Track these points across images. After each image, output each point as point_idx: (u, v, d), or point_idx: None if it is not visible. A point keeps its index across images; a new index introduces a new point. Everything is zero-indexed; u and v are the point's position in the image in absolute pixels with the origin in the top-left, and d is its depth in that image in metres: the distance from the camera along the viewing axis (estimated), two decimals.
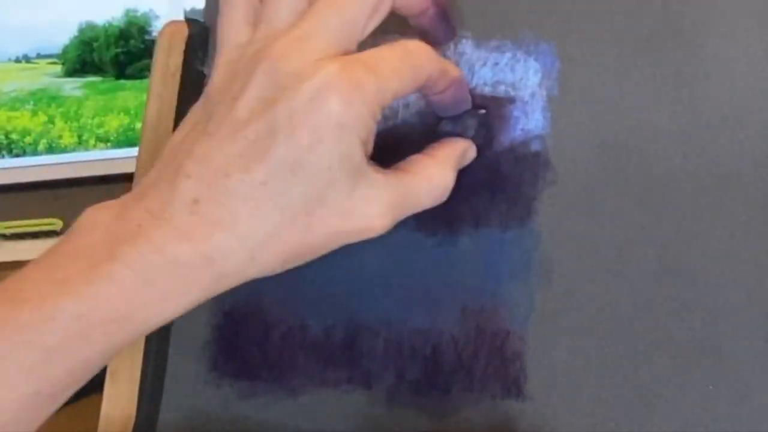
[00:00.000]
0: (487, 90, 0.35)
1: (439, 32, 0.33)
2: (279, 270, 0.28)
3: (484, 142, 0.35)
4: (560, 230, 0.35)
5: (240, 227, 0.26)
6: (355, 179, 0.27)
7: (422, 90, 0.30)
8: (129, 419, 0.36)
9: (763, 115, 0.34)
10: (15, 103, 0.90)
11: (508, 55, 0.35)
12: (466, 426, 0.35)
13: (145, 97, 0.38)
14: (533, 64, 0.35)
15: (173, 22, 0.40)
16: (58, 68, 0.90)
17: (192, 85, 0.37)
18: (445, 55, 0.35)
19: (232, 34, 0.29)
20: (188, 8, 0.80)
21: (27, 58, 0.90)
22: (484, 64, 0.35)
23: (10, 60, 0.90)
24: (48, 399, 0.27)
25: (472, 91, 0.35)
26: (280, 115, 0.26)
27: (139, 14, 0.87)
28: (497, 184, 0.35)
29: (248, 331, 0.36)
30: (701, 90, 0.34)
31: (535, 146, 0.35)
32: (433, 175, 0.31)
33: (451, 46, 0.35)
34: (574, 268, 0.35)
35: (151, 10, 0.87)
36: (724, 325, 0.34)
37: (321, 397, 0.35)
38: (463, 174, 0.35)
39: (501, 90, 0.35)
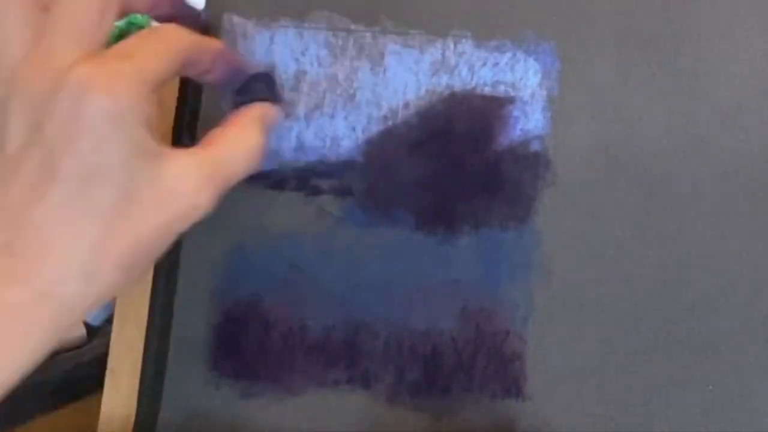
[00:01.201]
0: (487, 90, 0.35)
1: (181, 15, 0.33)
2: (125, 281, 0.27)
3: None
4: (560, 230, 0.35)
5: (60, 253, 0.25)
6: (156, 165, 0.26)
7: (190, 70, 0.29)
8: (129, 418, 0.36)
9: (763, 115, 0.34)
10: None
11: (508, 55, 0.35)
12: (466, 426, 0.35)
13: None
14: (533, 64, 0.35)
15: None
16: None
17: (192, 84, 0.37)
18: (444, 55, 0.35)
19: None
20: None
21: None
22: (484, 64, 0.35)
23: None
24: None
25: (472, 91, 0.35)
26: (50, 132, 0.25)
27: (139, 14, 0.87)
28: (497, 184, 0.35)
29: (248, 331, 0.36)
30: (701, 90, 0.34)
31: (535, 146, 0.35)
32: (239, 139, 0.30)
33: (452, 45, 0.35)
34: (574, 268, 0.35)
35: None
36: (724, 325, 0.34)
37: (321, 397, 0.35)
38: (463, 174, 0.35)
39: (501, 90, 0.35)
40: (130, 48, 0.27)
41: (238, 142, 0.30)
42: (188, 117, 0.36)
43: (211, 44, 0.31)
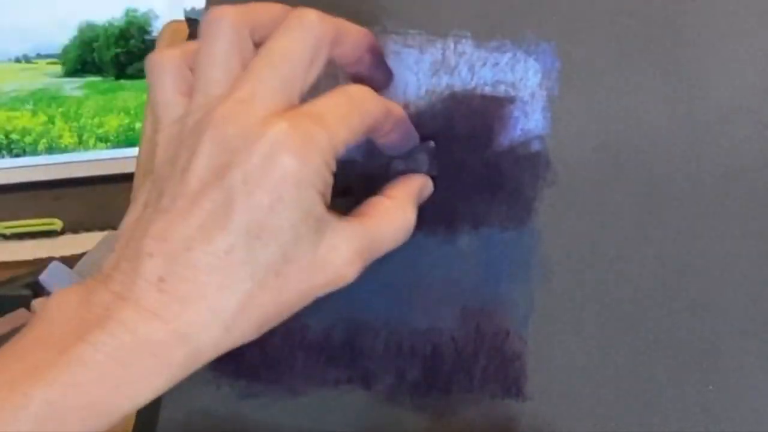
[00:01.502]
0: (487, 90, 0.35)
1: (377, 77, 0.33)
2: (255, 336, 0.27)
3: (481, 144, 0.35)
4: (560, 230, 0.35)
5: (210, 300, 0.26)
6: (319, 232, 0.27)
7: (370, 133, 0.30)
8: (129, 418, 0.36)
9: (763, 115, 0.34)
10: (15, 103, 0.90)
11: (509, 55, 0.35)
12: (466, 426, 0.35)
13: (145, 97, 0.38)
14: (533, 64, 0.35)
15: (173, 22, 0.40)
16: (58, 68, 0.90)
17: None
18: (444, 55, 0.35)
19: (167, 108, 0.29)
20: (188, 8, 0.80)
21: (27, 58, 0.90)
22: (484, 64, 0.35)
23: (10, 60, 0.90)
24: None
25: (472, 91, 0.35)
26: (234, 180, 0.25)
27: (139, 14, 0.87)
28: (497, 184, 0.35)
29: None
30: (701, 90, 0.34)
31: (535, 146, 0.35)
32: (395, 217, 0.31)
33: (452, 45, 0.35)
34: (574, 268, 0.35)
35: (151, 10, 0.87)
36: (724, 325, 0.34)
37: (321, 397, 0.35)
38: (463, 174, 0.35)
39: (501, 90, 0.35)
40: (325, 111, 0.27)
41: (393, 219, 0.30)
42: None
43: (396, 111, 0.31)
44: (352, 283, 0.35)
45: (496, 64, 0.35)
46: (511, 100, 0.35)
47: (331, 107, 0.28)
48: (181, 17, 0.45)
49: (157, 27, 0.87)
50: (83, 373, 0.25)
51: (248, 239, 0.26)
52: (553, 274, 0.35)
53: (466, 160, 0.35)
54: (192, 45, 0.29)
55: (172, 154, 0.28)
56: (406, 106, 0.35)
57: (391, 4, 0.36)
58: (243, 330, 0.27)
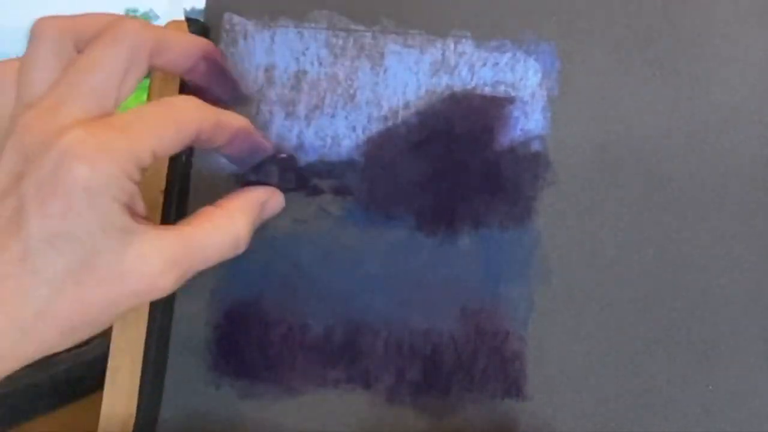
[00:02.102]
0: (487, 90, 0.35)
1: (216, 87, 0.33)
2: (62, 345, 0.27)
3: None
4: (560, 230, 0.35)
5: (6, 307, 0.25)
6: (122, 240, 0.26)
7: (198, 144, 0.29)
8: (129, 418, 0.36)
9: (763, 115, 0.34)
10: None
11: (508, 55, 0.35)
12: (466, 426, 0.35)
13: (145, 96, 0.38)
14: (533, 64, 0.35)
15: (173, 22, 0.40)
16: None
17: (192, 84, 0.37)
18: (444, 55, 0.35)
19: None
20: (188, 8, 0.80)
21: None
22: (484, 64, 0.35)
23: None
24: None
25: (472, 91, 0.35)
26: (28, 188, 0.25)
27: (139, 14, 0.87)
28: (497, 184, 0.35)
29: (248, 331, 0.36)
30: (701, 90, 0.34)
31: (535, 146, 0.35)
32: (219, 225, 0.29)
33: (452, 45, 0.35)
34: (574, 268, 0.35)
35: (151, 10, 0.87)
36: (724, 325, 0.34)
37: (321, 397, 0.35)
38: (463, 174, 0.35)
39: (501, 90, 0.35)
40: (134, 119, 0.27)
41: (219, 230, 0.29)
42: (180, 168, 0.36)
43: (234, 122, 0.30)
44: (352, 284, 0.35)
45: (496, 64, 0.35)
46: (511, 100, 0.35)
47: (141, 116, 0.27)
48: (181, 17, 0.45)
49: None
50: None
51: (42, 247, 0.25)
52: (553, 274, 0.35)
53: (466, 160, 0.35)
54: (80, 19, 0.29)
55: None
56: (406, 106, 0.35)
57: (391, 4, 0.36)
58: (42, 338, 0.26)
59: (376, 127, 0.35)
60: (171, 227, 0.28)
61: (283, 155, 0.34)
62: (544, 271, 0.35)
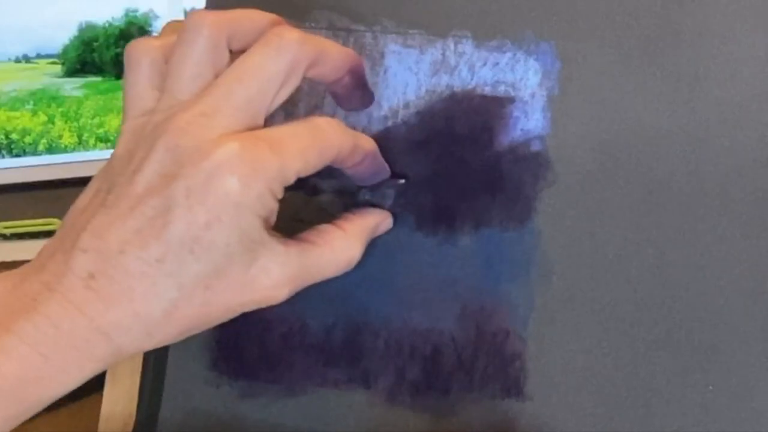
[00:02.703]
0: (487, 90, 0.35)
1: (355, 99, 0.33)
2: (176, 340, 0.28)
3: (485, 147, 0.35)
4: (560, 230, 0.35)
5: (136, 304, 0.26)
6: (254, 253, 0.27)
7: (333, 164, 0.30)
8: (129, 418, 0.36)
9: (763, 115, 0.34)
10: (15, 103, 0.90)
11: (509, 55, 0.35)
12: (466, 426, 0.35)
13: None
14: (533, 64, 0.35)
15: (173, 22, 0.40)
16: (58, 68, 0.90)
17: None
18: (444, 55, 0.35)
19: (137, 99, 0.29)
20: (188, 8, 0.80)
21: (27, 58, 0.90)
22: (485, 64, 0.35)
23: (10, 60, 0.90)
24: None
25: (472, 91, 0.35)
26: (177, 192, 0.26)
27: (139, 14, 0.87)
28: (497, 184, 0.35)
29: (248, 331, 0.36)
30: (701, 90, 0.34)
31: (535, 146, 0.35)
32: (338, 248, 0.30)
33: (452, 45, 0.35)
34: (574, 268, 0.35)
35: (151, 10, 0.86)
36: (724, 325, 0.34)
37: (321, 397, 0.35)
38: (463, 174, 0.35)
39: (501, 90, 0.35)
40: (285, 138, 0.27)
41: (337, 252, 0.30)
42: None
43: (366, 145, 0.31)
44: (352, 284, 0.35)
45: (496, 64, 0.35)
46: (511, 100, 0.35)
47: (291, 135, 0.27)
48: (181, 17, 0.45)
49: (157, 27, 0.87)
50: (6, 363, 0.25)
51: (181, 251, 0.26)
52: (553, 274, 0.35)
53: (466, 160, 0.35)
54: (173, 38, 0.29)
55: (130, 148, 0.28)
56: (406, 106, 0.35)
57: (391, 4, 0.36)
58: (164, 335, 0.27)
59: (376, 127, 0.35)
60: (295, 242, 0.29)
61: (402, 180, 0.35)
62: (544, 271, 0.35)
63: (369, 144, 0.31)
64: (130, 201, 0.26)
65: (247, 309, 0.28)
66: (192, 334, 0.28)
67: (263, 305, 0.28)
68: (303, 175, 0.28)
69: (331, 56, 0.29)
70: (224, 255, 0.26)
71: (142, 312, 0.26)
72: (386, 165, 0.33)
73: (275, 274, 0.28)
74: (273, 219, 0.28)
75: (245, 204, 0.26)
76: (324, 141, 0.28)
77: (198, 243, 0.26)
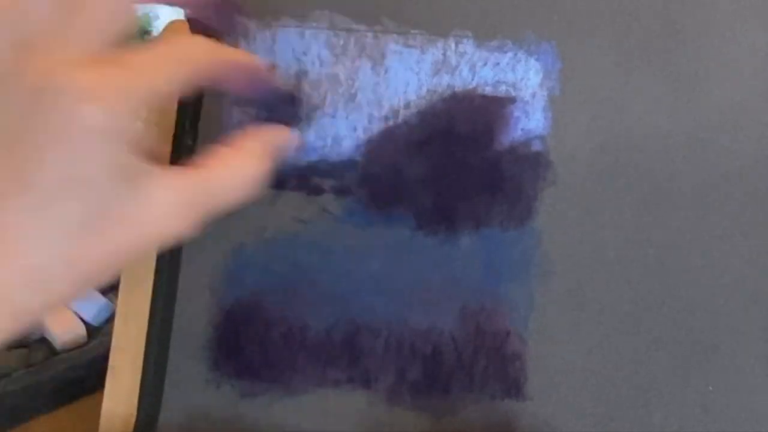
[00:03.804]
0: (488, 90, 0.35)
1: (221, 24, 0.32)
2: (78, 294, 0.26)
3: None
4: (560, 230, 0.35)
5: (24, 259, 0.24)
6: (133, 183, 0.25)
7: (206, 83, 0.28)
8: (130, 418, 0.36)
9: (763, 115, 0.34)
10: None
11: (510, 55, 0.35)
12: (466, 426, 0.35)
13: None
14: (534, 64, 0.35)
15: (174, 22, 0.40)
16: None
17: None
18: (445, 55, 0.35)
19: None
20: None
21: None
22: (485, 64, 0.35)
23: None
24: None
25: (473, 91, 0.35)
26: (34, 133, 0.24)
27: (139, 14, 0.87)
28: (498, 184, 0.35)
29: (248, 331, 0.36)
30: (701, 90, 0.34)
31: (535, 146, 0.35)
32: (234, 165, 0.28)
33: (453, 45, 0.35)
34: (574, 268, 0.35)
35: (151, 10, 0.86)
36: (724, 325, 0.34)
37: (321, 397, 0.35)
38: (463, 174, 0.35)
39: (502, 90, 0.35)
40: (137, 59, 0.26)
41: (234, 171, 0.28)
42: (190, 114, 0.36)
43: (233, 58, 0.29)
44: (352, 284, 0.35)
45: (497, 64, 0.35)
46: (511, 100, 0.35)
47: (146, 54, 0.26)
48: (182, 17, 0.45)
49: (157, 27, 0.87)
50: None
51: (53, 196, 0.24)
52: (553, 274, 0.35)
53: (466, 160, 0.35)
54: None
55: None
56: (407, 106, 0.35)
57: (392, 4, 0.36)
58: (60, 289, 0.25)
59: (377, 127, 0.35)
60: (183, 169, 0.27)
61: (288, 87, 0.34)
62: (544, 271, 0.35)
63: (243, 57, 0.30)
64: None
65: (148, 248, 0.26)
66: (97, 285, 0.26)
67: (165, 241, 0.26)
68: (169, 91, 0.26)
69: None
70: (101, 190, 0.24)
71: (27, 267, 0.24)
72: (271, 77, 0.32)
73: (163, 201, 0.26)
74: (145, 145, 0.26)
75: (108, 131, 0.24)
76: (184, 54, 0.27)
77: (70, 182, 0.24)
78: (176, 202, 0.26)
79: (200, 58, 0.27)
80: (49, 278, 0.25)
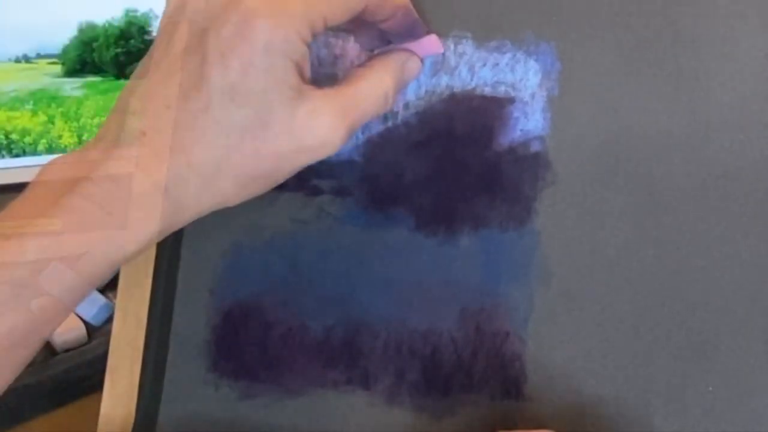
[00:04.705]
0: (487, 90, 0.35)
1: (407, 32, 0.34)
2: (237, 198, 0.29)
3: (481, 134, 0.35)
4: (560, 230, 0.35)
5: (188, 155, 0.27)
6: (294, 100, 0.28)
7: (364, 17, 0.30)
8: (129, 418, 0.36)
9: (763, 115, 0.34)
10: (15, 103, 0.90)
11: (509, 55, 0.35)
12: (465, 426, 0.35)
13: None
14: (533, 65, 0.35)
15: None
16: (58, 68, 0.90)
17: None
18: (445, 56, 0.35)
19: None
20: None
21: (27, 58, 0.90)
22: (485, 65, 0.35)
23: (10, 60, 0.90)
24: (30, 335, 0.28)
25: (472, 92, 0.35)
26: (210, 44, 0.27)
27: (139, 14, 0.87)
28: (497, 185, 0.35)
29: (248, 332, 0.36)
30: (701, 90, 0.34)
31: (534, 147, 0.35)
32: (373, 80, 0.31)
33: (452, 46, 0.35)
34: (574, 268, 0.35)
35: (151, 10, 0.86)
36: (724, 325, 0.34)
37: (320, 398, 0.35)
38: (463, 174, 0.35)
39: (501, 90, 0.35)
40: None
41: (373, 84, 0.31)
42: None
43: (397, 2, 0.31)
44: (352, 284, 0.35)
45: (496, 64, 0.35)
46: (511, 100, 0.35)
47: None
48: None
49: (157, 27, 0.86)
50: (74, 222, 0.27)
51: (222, 100, 0.27)
52: (553, 274, 0.35)
53: (466, 161, 0.35)
54: None
55: (168, 29, 0.29)
56: (406, 107, 0.35)
57: None
58: (221, 188, 0.28)
59: (376, 128, 0.35)
60: (331, 88, 0.30)
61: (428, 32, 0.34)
62: (544, 271, 0.35)
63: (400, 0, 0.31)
64: (170, 62, 0.28)
65: (306, 158, 0.29)
66: (256, 190, 0.29)
67: (321, 153, 0.29)
68: (333, 21, 0.28)
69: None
70: (264, 101, 0.27)
71: (194, 162, 0.28)
72: (420, 23, 0.34)
73: (324, 118, 0.29)
74: (306, 69, 0.29)
75: (274, 47, 0.27)
76: None
77: (237, 91, 0.27)
78: (331, 116, 0.29)
79: None
80: (208, 177, 0.28)
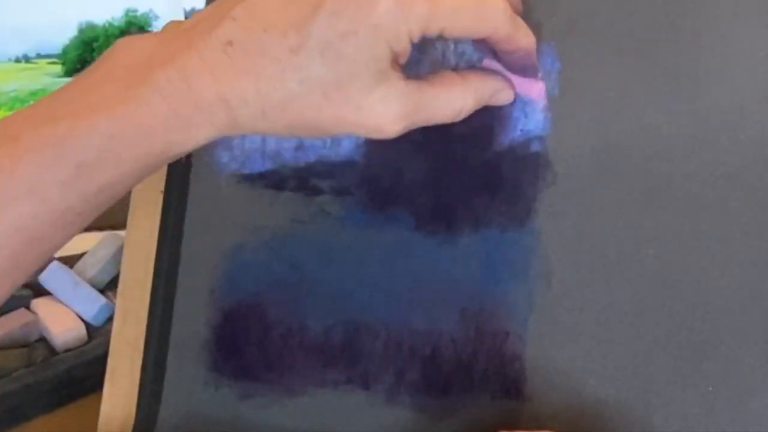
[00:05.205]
0: None
1: (521, 69, 0.34)
2: (283, 133, 0.30)
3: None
4: (560, 230, 0.35)
5: (261, 83, 0.28)
6: (377, 80, 0.28)
7: (489, 41, 0.30)
8: (129, 419, 0.36)
9: (763, 115, 0.34)
10: (15, 103, 0.90)
11: None
12: (465, 426, 0.35)
13: None
14: None
15: (173, 22, 0.40)
16: (58, 68, 0.90)
17: None
18: (445, 55, 0.35)
19: None
20: (188, 8, 0.80)
21: (27, 58, 0.90)
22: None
23: (10, 60, 0.90)
24: (77, 217, 0.28)
25: None
26: (329, 3, 0.27)
27: (139, 14, 0.87)
28: (497, 185, 0.35)
29: (248, 332, 0.36)
30: (701, 90, 0.34)
31: (535, 147, 0.35)
32: (454, 93, 0.31)
33: (452, 45, 0.35)
34: (574, 268, 0.35)
35: (151, 10, 0.86)
36: (724, 325, 0.34)
37: (320, 398, 0.35)
38: (463, 174, 0.35)
39: None
40: None
41: (452, 95, 0.31)
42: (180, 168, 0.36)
43: (522, 39, 0.31)
44: (352, 284, 0.35)
45: None
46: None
47: None
48: (181, 17, 0.45)
49: (157, 27, 0.87)
50: (142, 112, 0.28)
51: (313, 50, 0.27)
52: (553, 274, 0.35)
53: (466, 160, 0.35)
54: None
55: None
56: None
57: None
58: (276, 121, 0.29)
59: None
60: (414, 80, 0.30)
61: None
62: (544, 271, 0.35)
63: (526, 41, 0.31)
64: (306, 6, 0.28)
65: (354, 131, 0.29)
66: (297, 135, 0.30)
67: (372, 134, 0.29)
68: (450, 34, 0.28)
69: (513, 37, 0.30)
70: (349, 70, 0.28)
71: (263, 91, 0.28)
72: (537, 68, 0.34)
73: (393, 107, 0.29)
74: (402, 61, 0.29)
75: (384, 30, 0.27)
76: (485, 12, 0.29)
77: (330, 48, 0.27)
78: (399, 108, 0.29)
79: (498, 24, 0.29)
80: (268, 108, 0.28)
